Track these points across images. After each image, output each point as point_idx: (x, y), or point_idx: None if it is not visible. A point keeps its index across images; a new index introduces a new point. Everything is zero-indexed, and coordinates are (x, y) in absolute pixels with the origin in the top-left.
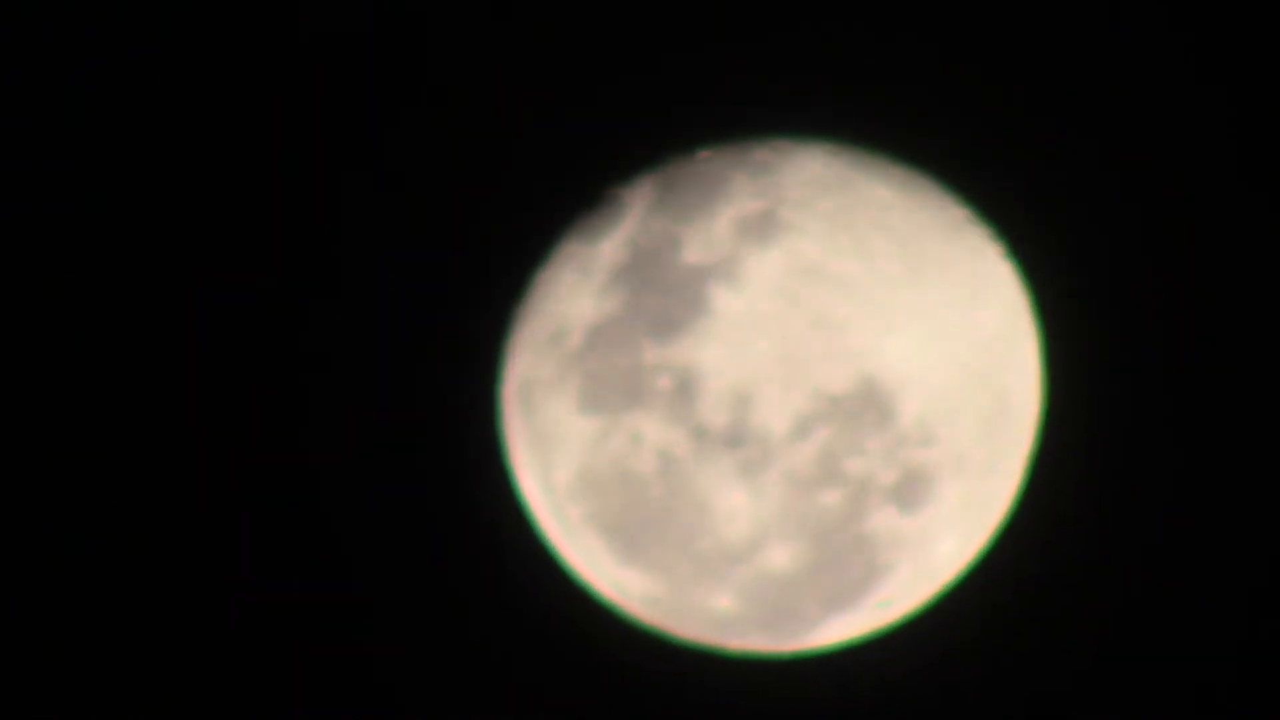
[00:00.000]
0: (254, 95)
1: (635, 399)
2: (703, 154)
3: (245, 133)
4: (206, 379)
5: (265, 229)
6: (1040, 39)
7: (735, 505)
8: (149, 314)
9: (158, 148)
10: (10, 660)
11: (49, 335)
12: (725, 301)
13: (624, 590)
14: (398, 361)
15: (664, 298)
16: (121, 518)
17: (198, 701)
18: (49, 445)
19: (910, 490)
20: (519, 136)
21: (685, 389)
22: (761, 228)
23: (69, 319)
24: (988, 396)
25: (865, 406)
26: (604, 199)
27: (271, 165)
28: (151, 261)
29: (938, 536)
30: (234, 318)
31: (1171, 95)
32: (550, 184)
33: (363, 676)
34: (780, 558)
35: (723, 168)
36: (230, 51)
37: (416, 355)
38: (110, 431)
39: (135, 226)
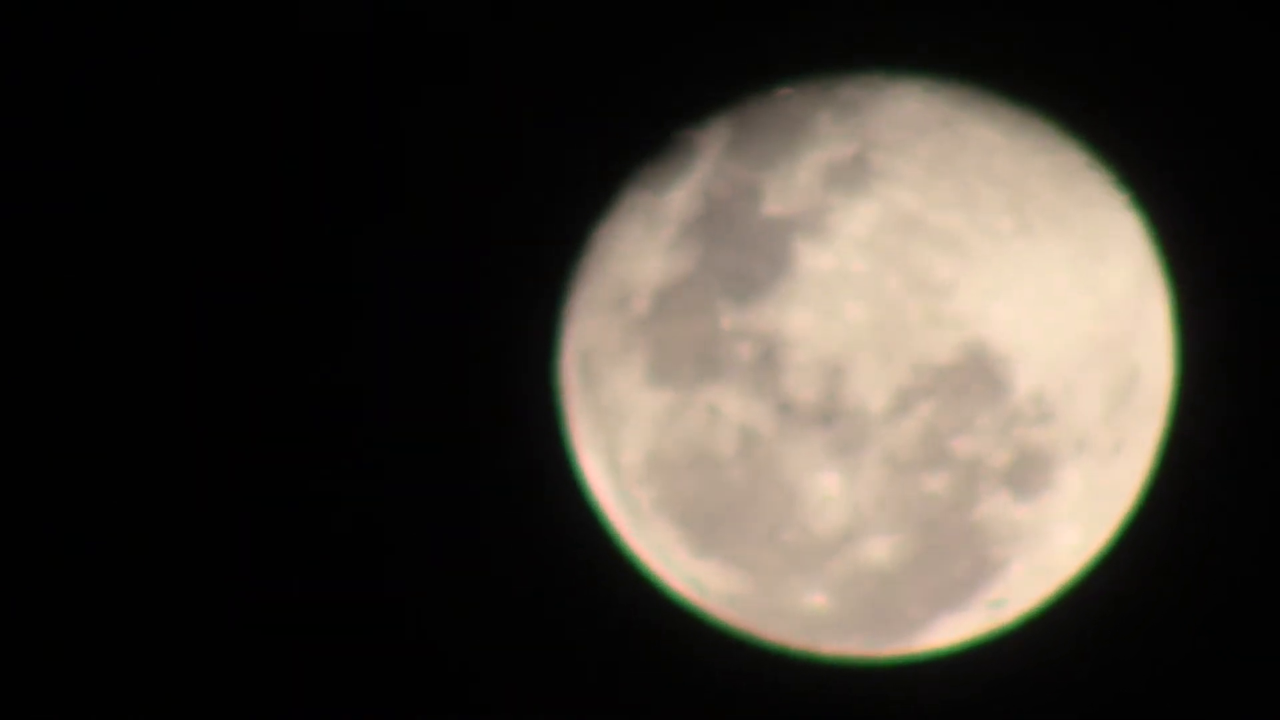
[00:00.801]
0: (285, 64)
1: (711, 370)
2: (783, 91)
3: (285, 101)
4: (257, 363)
5: (310, 202)
6: None
7: (827, 491)
8: (176, 312)
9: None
10: (21, 660)
11: (75, 335)
12: (811, 259)
13: (701, 586)
14: (445, 332)
15: (742, 255)
16: (162, 516)
17: (248, 696)
18: (84, 444)
19: (1026, 474)
20: (578, 74)
21: (768, 359)
22: (851, 175)
23: (102, 318)
24: (1113, 368)
25: (973, 379)
26: (673, 143)
27: (316, 138)
28: (196, 255)
29: (1057, 527)
30: (280, 294)
31: None
32: (612, 127)
33: (415, 676)
34: (879, 551)
35: (806, 107)
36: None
37: (465, 324)
38: (144, 432)
39: (159, 224)
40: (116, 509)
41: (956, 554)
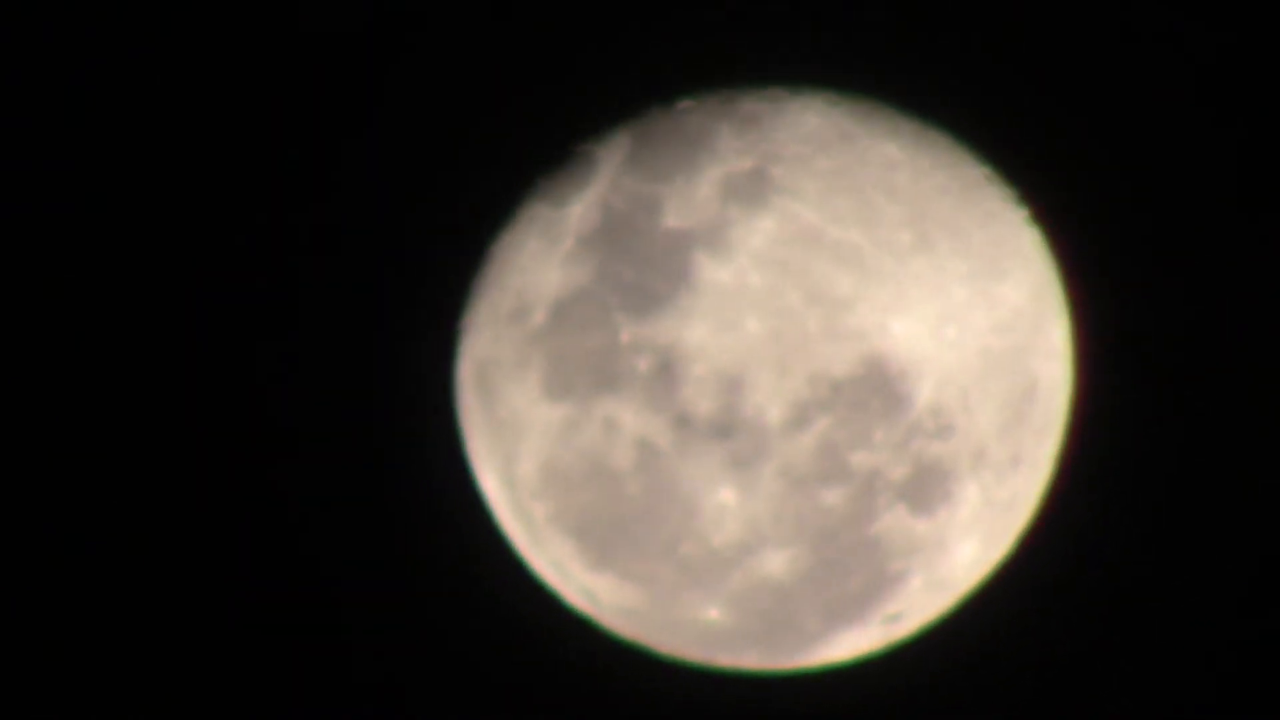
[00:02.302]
0: (213, 66)
1: (609, 383)
2: (683, 105)
3: (203, 105)
4: (162, 371)
5: (210, 207)
6: None
7: (724, 504)
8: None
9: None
10: (28, 660)
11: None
12: (710, 273)
13: (597, 600)
14: (344, 342)
15: (641, 268)
16: (91, 512)
17: (160, 701)
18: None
19: (924, 488)
20: (478, 84)
21: (666, 372)
22: (751, 189)
23: (50, 313)
24: (1011, 382)
25: (871, 393)
26: (572, 156)
27: (225, 138)
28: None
29: (955, 541)
30: (189, 305)
31: (1213, 38)
32: (512, 139)
33: (316, 686)
34: (776, 564)
35: (706, 120)
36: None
37: (364, 334)
38: (83, 423)
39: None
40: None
41: (854, 567)
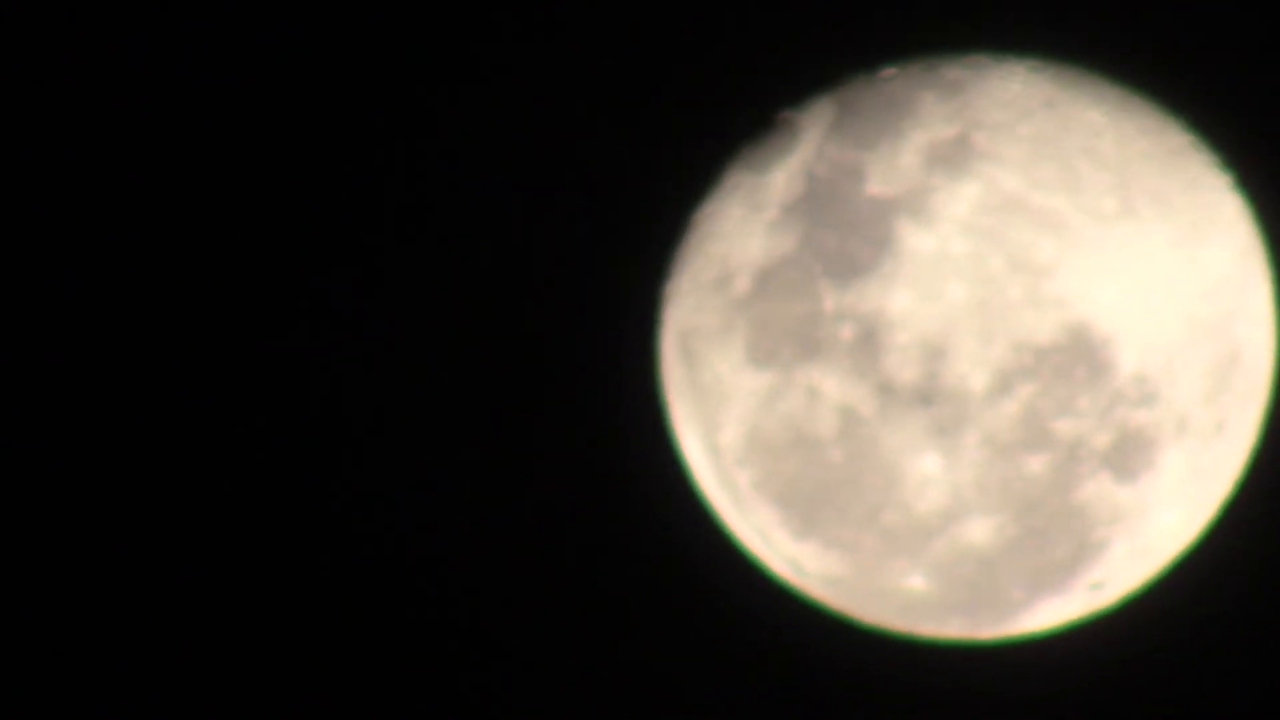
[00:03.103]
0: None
1: (812, 351)
2: (887, 72)
3: (367, 72)
4: (333, 322)
5: (413, 178)
6: None
7: (927, 472)
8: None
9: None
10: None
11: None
12: (914, 240)
13: (800, 568)
14: (547, 312)
15: (844, 236)
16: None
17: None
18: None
19: (1127, 456)
20: (679, 52)
21: (869, 340)
22: (954, 156)
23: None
24: (1215, 349)
25: (1075, 360)
26: (776, 124)
27: (399, 100)
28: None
29: (1159, 508)
30: (380, 280)
31: None
32: (715, 106)
33: (515, 653)
34: (979, 532)
35: (910, 88)
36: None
37: (567, 304)
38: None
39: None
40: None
41: (1057, 536)
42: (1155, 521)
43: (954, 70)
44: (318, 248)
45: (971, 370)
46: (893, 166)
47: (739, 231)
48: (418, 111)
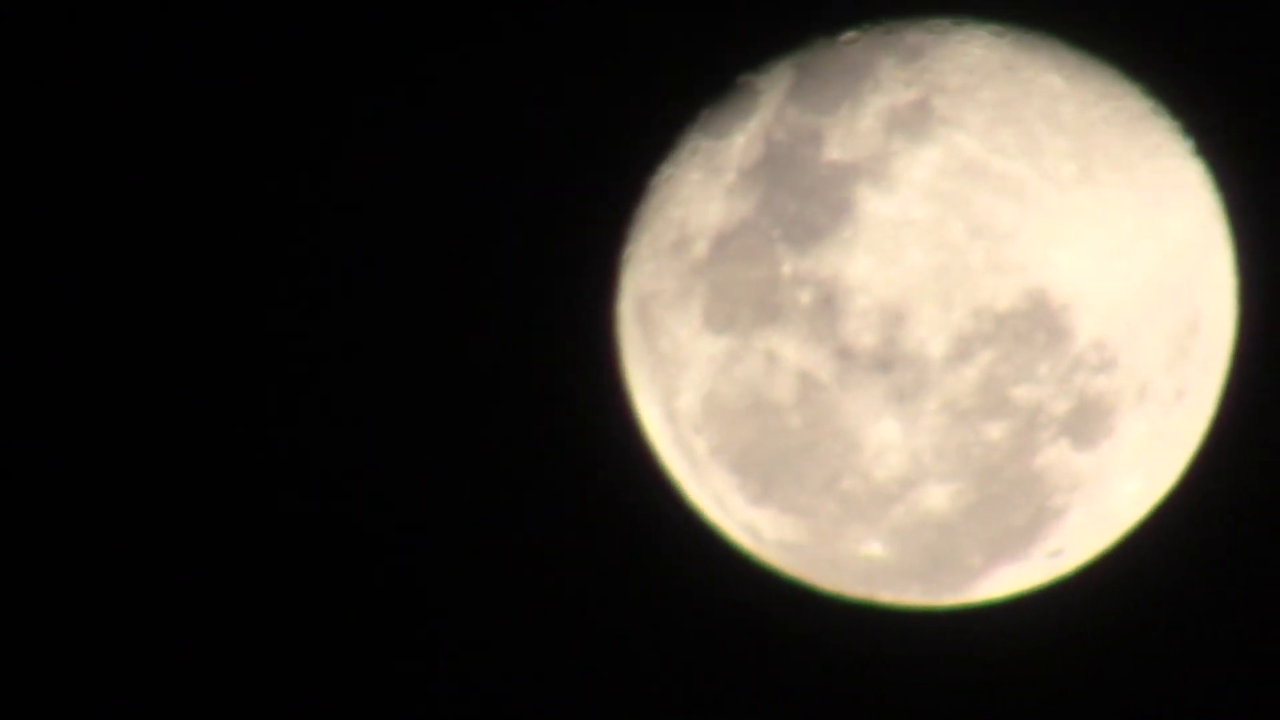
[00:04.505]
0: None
1: (770, 316)
2: (847, 36)
3: (323, 63)
4: (290, 322)
5: (363, 148)
6: None
7: (886, 438)
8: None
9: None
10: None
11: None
12: (873, 205)
13: (758, 534)
14: (505, 276)
15: (803, 201)
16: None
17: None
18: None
19: (1086, 423)
20: (637, 16)
21: (828, 305)
22: (914, 121)
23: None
24: (1176, 316)
25: (1034, 326)
26: (735, 88)
27: (364, 85)
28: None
29: (1117, 476)
30: (330, 237)
31: None
32: (672, 70)
33: (474, 619)
34: (938, 499)
35: (869, 52)
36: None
37: (525, 269)
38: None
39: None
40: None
41: (1016, 503)
42: (1114, 489)
43: (914, 35)
44: (270, 218)
45: (931, 336)
46: (852, 131)
47: (697, 196)
48: (370, 77)
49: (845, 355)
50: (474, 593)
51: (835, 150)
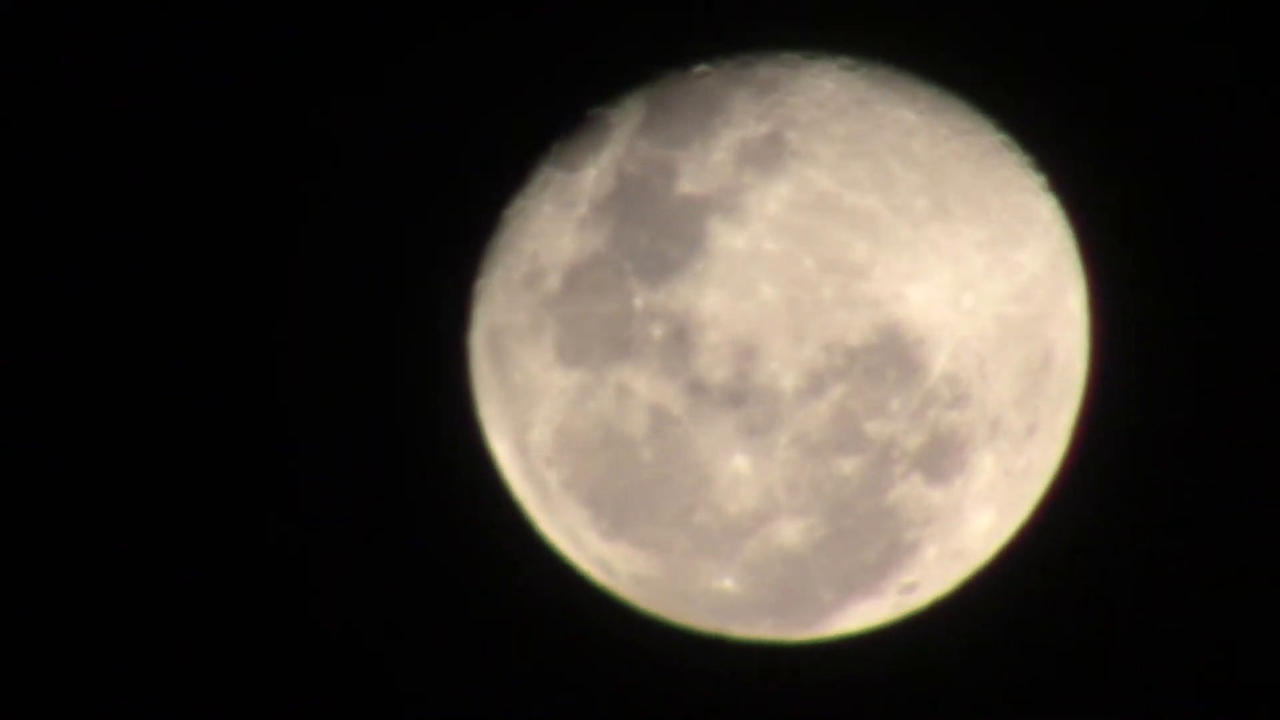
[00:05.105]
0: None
1: (622, 350)
2: (699, 69)
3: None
4: (165, 350)
5: (220, 176)
6: None
7: (738, 472)
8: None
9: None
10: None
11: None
12: (725, 239)
13: (611, 568)
14: (356, 307)
15: (655, 234)
16: (85, 512)
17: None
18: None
19: (939, 457)
20: (490, 47)
21: (680, 339)
22: (766, 154)
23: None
24: (1028, 351)
25: (886, 361)
26: (587, 120)
27: (222, 116)
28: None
29: (970, 511)
30: (191, 273)
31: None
32: (526, 102)
33: (322, 657)
34: (790, 533)
35: (722, 85)
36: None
37: (372, 299)
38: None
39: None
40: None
41: (869, 537)
42: (967, 523)
43: (766, 68)
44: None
45: (783, 370)
46: (704, 165)
47: (549, 229)
48: (227, 110)
49: (697, 389)
50: (322, 628)
51: (687, 184)
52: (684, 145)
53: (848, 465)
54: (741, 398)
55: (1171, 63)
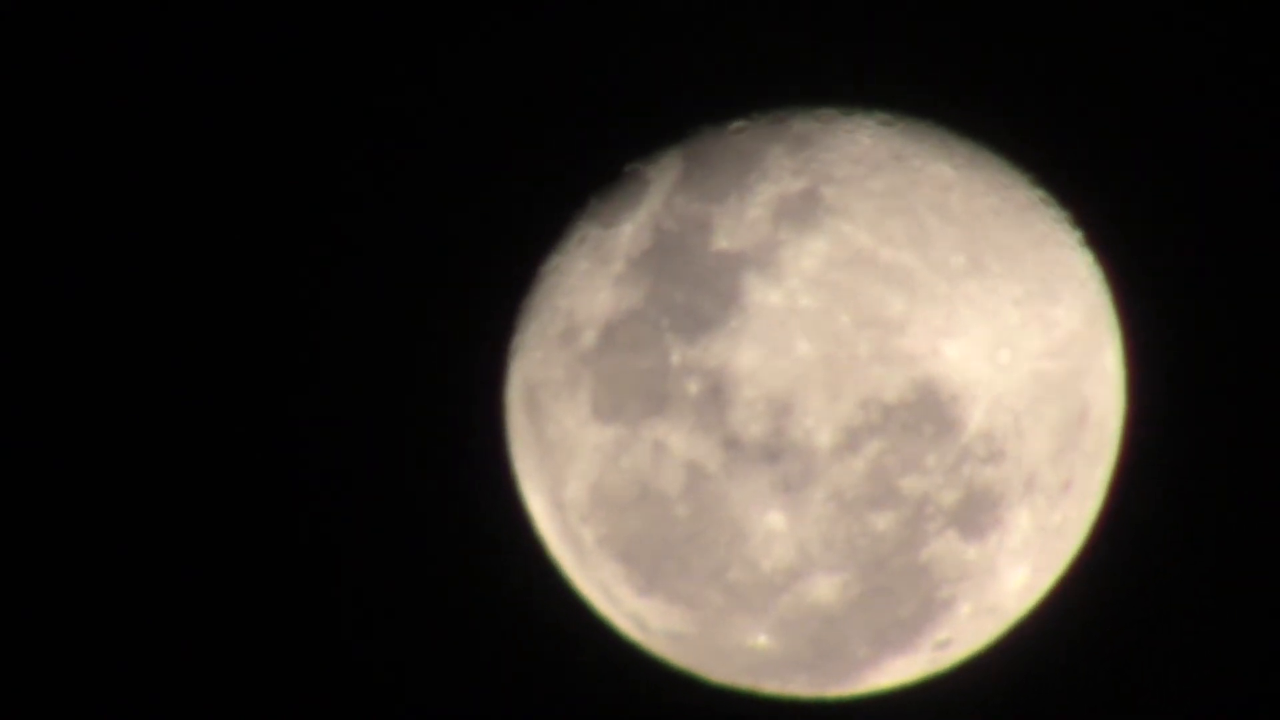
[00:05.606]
0: (242, 84)
1: (658, 405)
2: (735, 125)
3: (237, 122)
4: (198, 385)
5: (255, 223)
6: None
7: (773, 528)
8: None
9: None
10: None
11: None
12: (761, 295)
13: (645, 624)
14: (389, 361)
15: (691, 290)
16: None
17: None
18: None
19: (974, 513)
20: (528, 104)
21: (716, 395)
22: (802, 210)
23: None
24: (1063, 407)
25: (922, 417)
26: (624, 176)
27: (264, 154)
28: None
29: (1005, 567)
30: (227, 317)
31: (1268, 66)
32: (562, 158)
33: (358, 713)
34: (825, 589)
35: (758, 141)
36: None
37: (410, 354)
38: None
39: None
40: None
41: (903, 594)
42: (1002, 580)
43: (802, 123)
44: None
45: (818, 426)
46: (740, 220)
47: (586, 285)
48: (264, 164)
49: (732, 445)
50: (361, 682)
51: (723, 239)
52: (720, 201)
53: (882, 521)
54: (777, 454)
55: (1209, 120)
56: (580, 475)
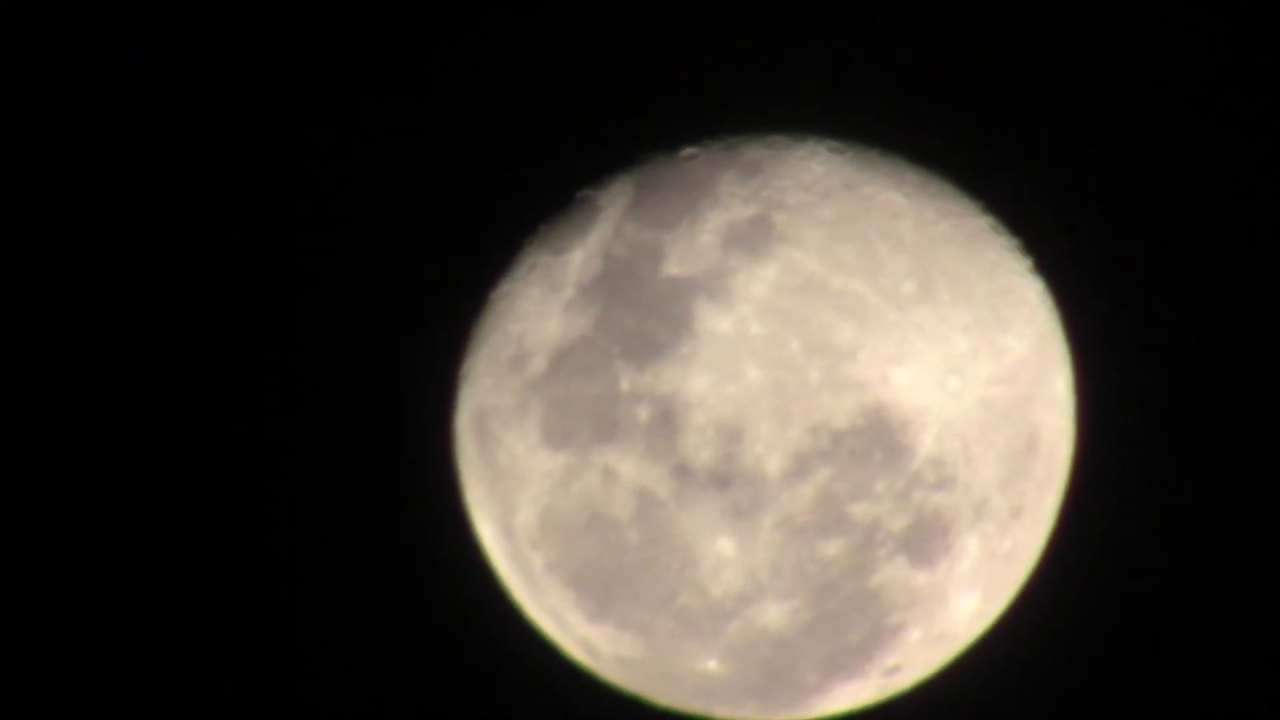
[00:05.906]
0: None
1: (608, 432)
2: (687, 152)
3: (202, 138)
4: (153, 413)
5: (208, 251)
6: (1074, 22)
7: (723, 554)
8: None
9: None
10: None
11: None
12: (712, 322)
13: (596, 650)
14: (339, 387)
15: (642, 316)
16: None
17: None
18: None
19: (924, 540)
20: (480, 130)
21: (666, 421)
22: (753, 237)
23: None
24: (1013, 433)
25: (872, 443)
26: (574, 202)
27: (223, 173)
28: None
29: (955, 594)
30: (179, 331)
31: (1219, 88)
32: (513, 184)
33: None
34: (774, 615)
35: (709, 168)
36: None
37: (360, 379)
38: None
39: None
40: None
41: (853, 620)
42: (951, 606)
43: (753, 151)
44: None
45: (768, 453)
46: (691, 247)
47: (536, 311)
48: (209, 199)
49: (683, 472)
50: (311, 706)
51: (674, 266)
52: (671, 228)
53: (832, 548)
54: (727, 480)
55: (1159, 147)
56: (530, 501)
